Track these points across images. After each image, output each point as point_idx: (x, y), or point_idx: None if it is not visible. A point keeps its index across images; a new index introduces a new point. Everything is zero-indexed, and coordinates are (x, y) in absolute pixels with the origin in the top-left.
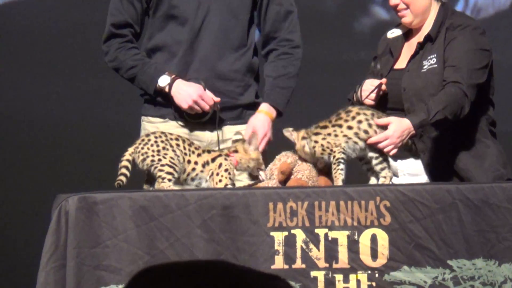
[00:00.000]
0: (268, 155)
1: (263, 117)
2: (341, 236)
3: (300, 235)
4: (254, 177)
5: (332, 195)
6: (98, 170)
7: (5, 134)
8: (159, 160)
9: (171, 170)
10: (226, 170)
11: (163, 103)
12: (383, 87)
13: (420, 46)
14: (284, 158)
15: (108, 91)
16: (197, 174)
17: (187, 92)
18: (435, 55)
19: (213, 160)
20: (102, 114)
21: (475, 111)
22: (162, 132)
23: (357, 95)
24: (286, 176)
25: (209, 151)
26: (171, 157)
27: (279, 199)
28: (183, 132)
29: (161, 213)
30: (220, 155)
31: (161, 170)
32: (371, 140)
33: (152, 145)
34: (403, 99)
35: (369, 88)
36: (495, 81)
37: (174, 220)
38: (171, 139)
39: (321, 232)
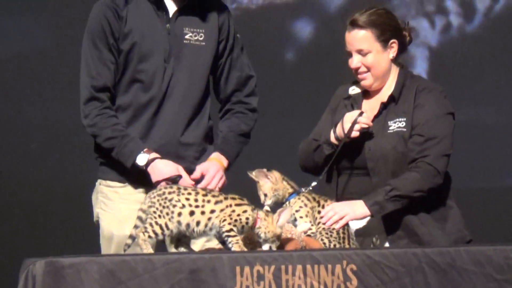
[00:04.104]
0: None
1: (214, 161)
2: None
3: None
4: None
5: (299, 259)
6: (65, 234)
7: None
8: (155, 217)
9: (157, 230)
10: (247, 218)
11: (122, 168)
12: (364, 119)
13: (384, 106)
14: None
15: (79, 150)
16: (213, 223)
17: (161, 173)
18: (405, 119)
19: (238, 205)
20: (71, 175)
21: None
22: (178, 187)
23: (336, 134)
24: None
25: (233, 198)
26: (169, 218)
27: (246, 263)
28: (142, 197)
29: (128, 277)
30: (247, 205)
31: (151, 225)
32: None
33: (160, 196)
34: (367, 158)
35: (350, 120)
36: None
37: (141, 284)
38: (183, 193)
39: None
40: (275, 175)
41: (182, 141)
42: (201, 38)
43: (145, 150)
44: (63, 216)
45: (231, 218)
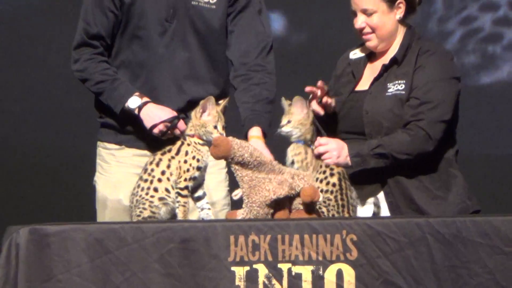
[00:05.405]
0: None
1: (261, 143)
2: (305, 271)
3: (262, 270)
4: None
5: (296, 228)
6: (50, 200)
7: None
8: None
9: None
10: (193, 157)
11: (120, 129)
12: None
13: (385, 68)
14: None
15: (64, 114)
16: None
17: (157, 116)
18: (404, 82)
19: (178, 152)
20: (57, 139)
21: (443, 141)
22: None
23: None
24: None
25: (168, 150)
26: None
27: (240, 232)
28: (139, 160)
29: (116, 246)
30: (182, 143)
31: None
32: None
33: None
34: (365, 122)
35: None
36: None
37: (130, 253)
38: (141, 179)
39: (284, 267)
40: (311, 115)
41: (191, 102)
42: (213, 1)
43: (136, 93)
44: (55, 182)
45: (184, 172)
